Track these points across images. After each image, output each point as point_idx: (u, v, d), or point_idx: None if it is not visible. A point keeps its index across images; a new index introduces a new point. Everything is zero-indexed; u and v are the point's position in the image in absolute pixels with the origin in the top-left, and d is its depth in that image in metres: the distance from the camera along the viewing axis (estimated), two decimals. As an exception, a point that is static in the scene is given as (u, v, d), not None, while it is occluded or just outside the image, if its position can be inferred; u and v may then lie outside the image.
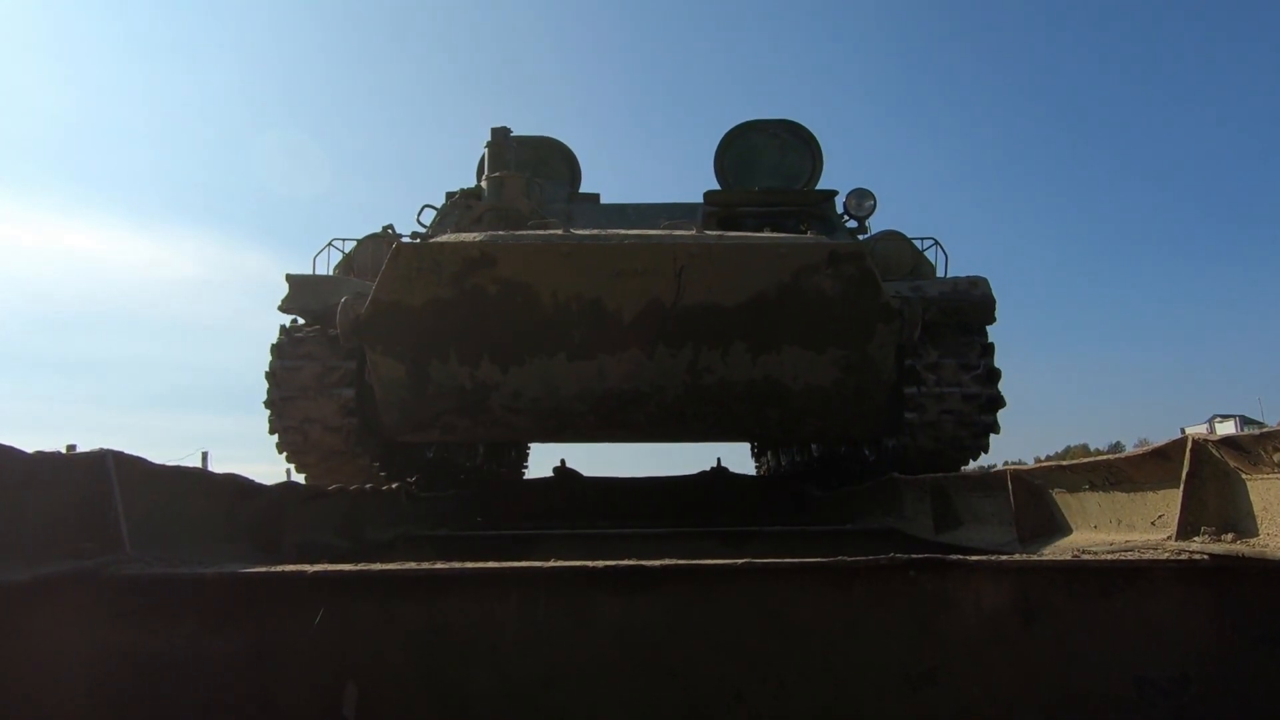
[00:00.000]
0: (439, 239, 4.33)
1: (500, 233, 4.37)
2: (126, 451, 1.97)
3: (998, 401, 4.78)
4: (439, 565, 1.86)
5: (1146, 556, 1.91)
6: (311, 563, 1.99)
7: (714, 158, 6.41)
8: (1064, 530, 2.74)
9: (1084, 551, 2.19)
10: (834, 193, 5.93)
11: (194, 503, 2.38)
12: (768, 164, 6.41)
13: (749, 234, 4.63)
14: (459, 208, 5.54)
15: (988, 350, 4.88)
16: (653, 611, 1.78)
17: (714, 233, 4.40)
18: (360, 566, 1.88)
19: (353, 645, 1.75)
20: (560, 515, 6.26)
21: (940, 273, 5.40)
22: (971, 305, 4.88)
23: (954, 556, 1.87)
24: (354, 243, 5.29)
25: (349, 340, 4.43)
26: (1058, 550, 2.54)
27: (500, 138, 5.30)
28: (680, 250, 4.05)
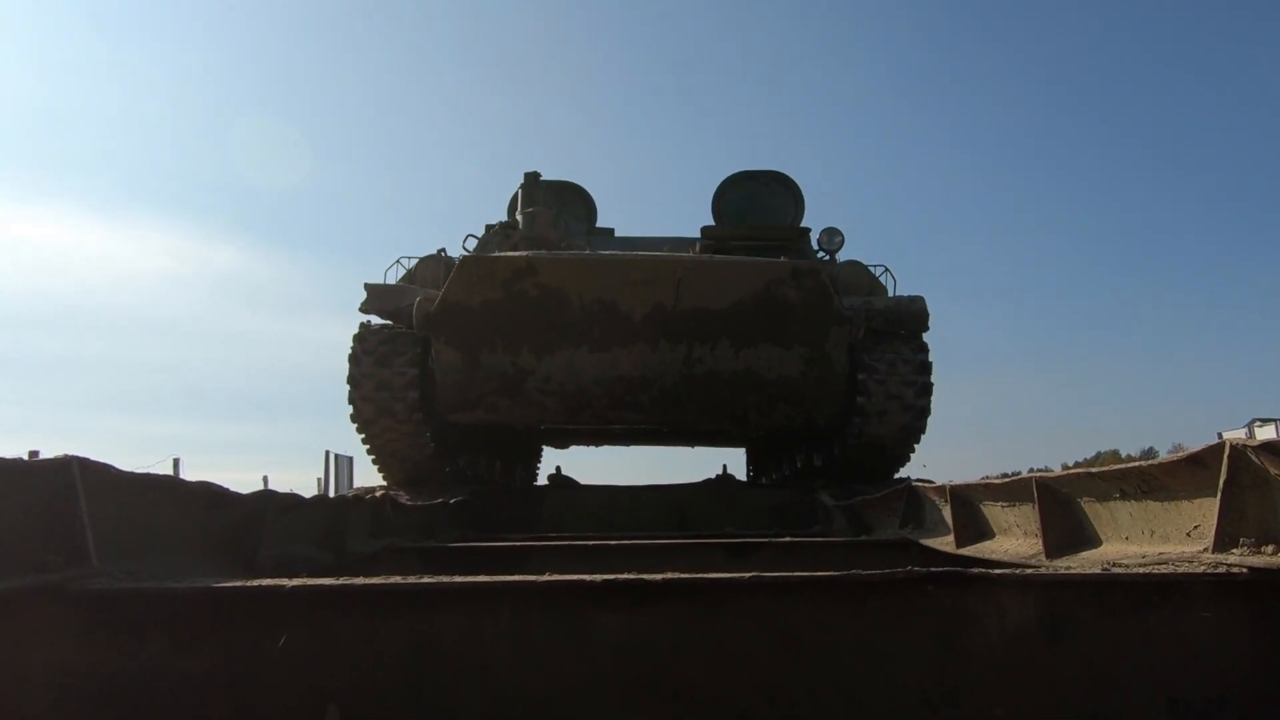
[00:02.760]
0: (494, 254, 6.06)
1: (541, 251, 5.98)
2: (92, 458, 1.97)
3: (929, 372, 6.44)
4: (426, 579, 1.86)
5: (1181, 570, 1.91)
6: (290, 576, 1.99)
7: (711, 201, 7.88)
8: (1093, 542, 2.74)
9: (1114, 564, 2.19)
10: (808, 230, 7.48)
11: (165, 513, 2.38)
12: (757, 208, 7.83)
13: (733, 256, 6.24)
14: (498, 236, 6.99)
15: (923, 348, 6.52)
16: (655, 628, 1.78)
17: (706, 254, 6.08)
18: (342, 581, 1.88)
19: (334, 665, 1.75)
20: (556, 525, 6.25)
21: (891, 292, 6.96)
22: (911, 316, 6.53)
23: (975, 570, 1.88)
24: (416, 260, 6.93)
25: (421, 330, 5.95)
26: (1086, 563, 2.54)
27: (531, 181, 6.83)
28: (679, 265, 5.64)
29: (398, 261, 6.92)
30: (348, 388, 6.27)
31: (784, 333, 5.86)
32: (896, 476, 6.72)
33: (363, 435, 6.46)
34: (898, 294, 6.81)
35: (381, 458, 6.63)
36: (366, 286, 6.46)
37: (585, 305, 5.69)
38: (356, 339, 6.36)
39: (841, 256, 7.29)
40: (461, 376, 6.02)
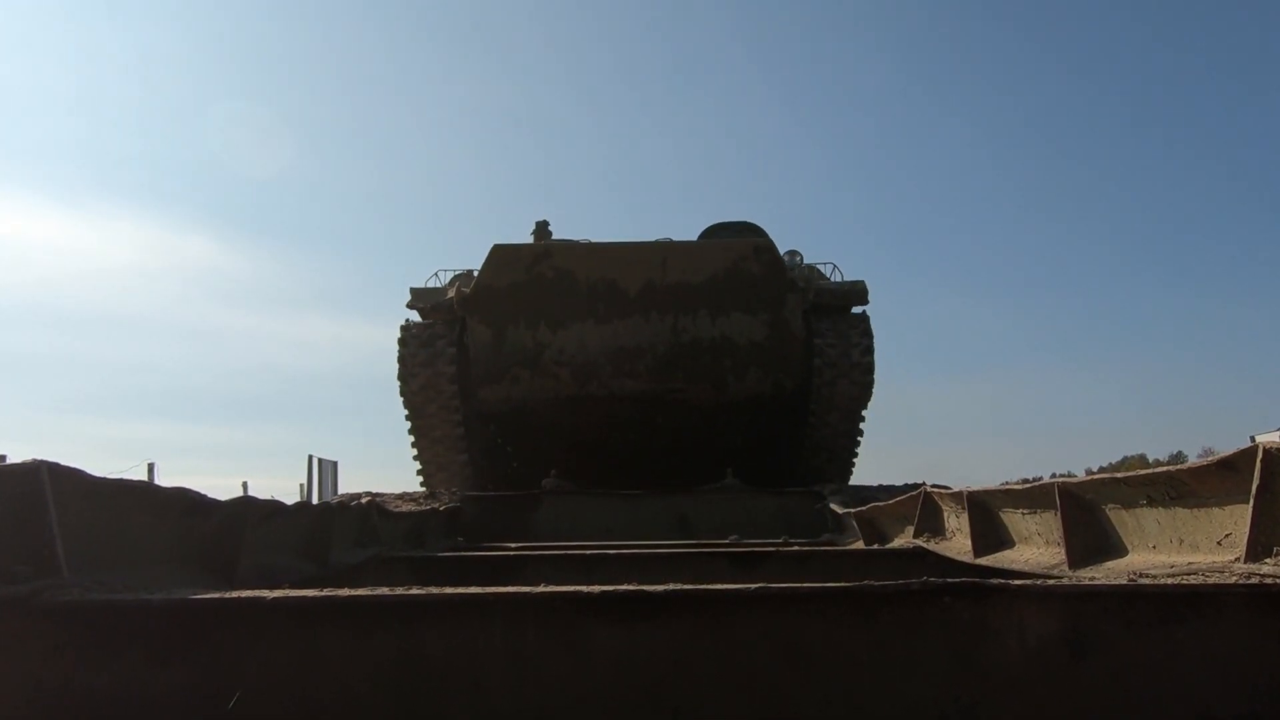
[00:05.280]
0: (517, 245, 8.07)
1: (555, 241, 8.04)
2: (62, 462, 1.97)
3: (870, 336, 8.39)
4: (414, 590, 1.86)
5: (1212, 580, 1.91)
6: (271, 588, 1.99)
7: None
8: (1119, 551, 2.74)
9: (1141, 575, 2.19)
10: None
11: (139, 520, 2.39)
12: None
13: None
14: None
15: (864, 318, 8.58)
16: (656, 642, 1.78)
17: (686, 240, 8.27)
18: (326, 592, 1.88)
19: (318, 681, 1.75)
20: (552, 533, 6.26)
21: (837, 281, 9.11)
22: (854, 293, 8.67)
23: (994, 581, 1.87)
24: (451, 274, 8.97)
25: (461, 310, 7.93)
26: (1112, 574, 2.54)
27: (541, 228, 9.02)
28: (664, 247, 7.83)
29: (435, 274, 9.07)
30: (397, 369, 8.15)
31: (750, 301, 7.71)
32: (907, 484, 6.78)
33: (407, 411, 8.37)
34: (841, 280, 8.97)
35: (421, 439, 8.49)
36: (412, 290, 8.62)
37: (591, 284, 7.53)
38: (403, 329, 8.37)
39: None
40: (491, 351, 7.87)
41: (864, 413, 8.64)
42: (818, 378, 8.13)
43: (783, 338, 7.87)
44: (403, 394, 8.27)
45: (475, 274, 8.31)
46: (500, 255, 7.55)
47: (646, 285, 7.49)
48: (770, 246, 7.77)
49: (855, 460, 9.05)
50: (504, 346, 7.78)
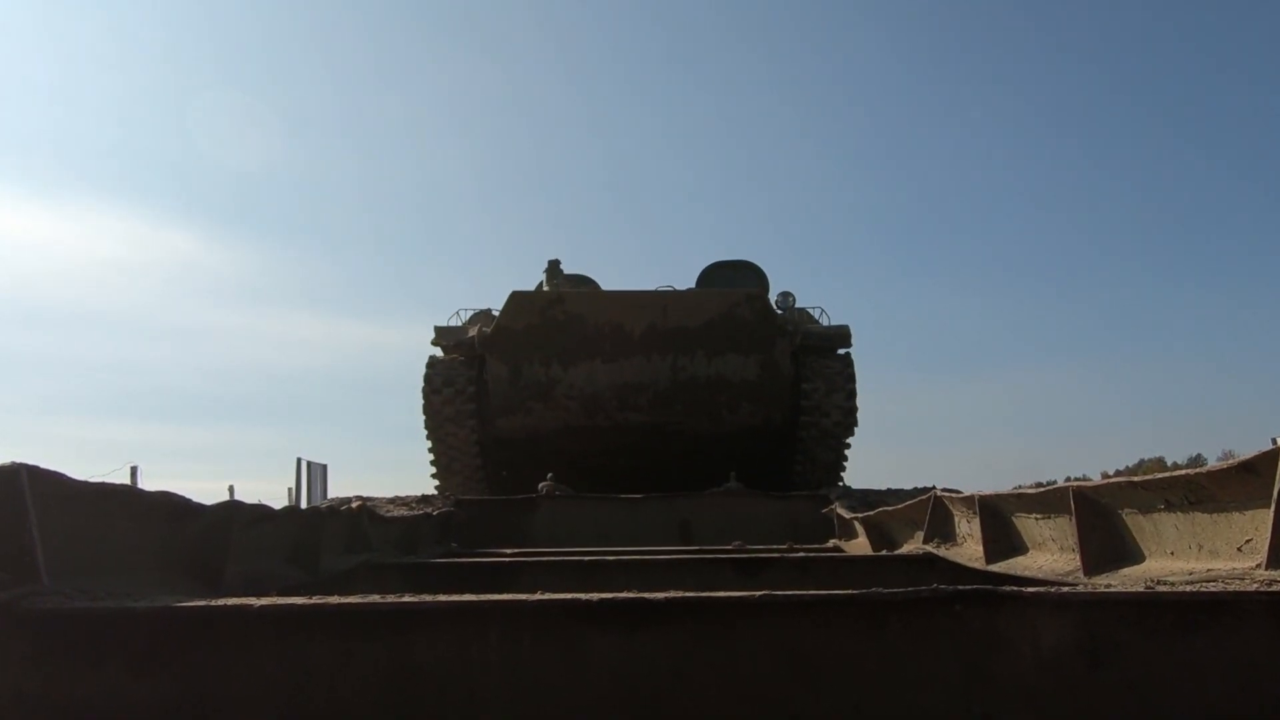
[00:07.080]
0: (533, 290, 9.28)
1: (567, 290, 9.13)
2: (42, 465, 1.96)
3: (853, 381, 9.48)
4: (407, 598, 1.86)
5: (1232, 587, 1.91)
6: (258, 595, 1.99)
7: (695, 282, 10.62)
8: (1135, 557, 2.74)
9: (1159, 582, 2.19)
10: (765, 291, 10.44)
11: (122, 525, 2.39)
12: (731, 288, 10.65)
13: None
14: None
15: (848, 358, 9.66)
16: (656, 652, 1.78)
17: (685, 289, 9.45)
18: (315, 600, 1.88)
19: (306, 691, 1.75)
20: (549, 538, 6.26)
21: (826, 324, 10.17)
22: (839, 336, 9.70)
23: (1007, 588, 1.87)
24: (471, 312, 9.98)
25: (481, 348, 8.93)
26: (1128, 580, 2.54)
27: (554, 266, 9.92)
28: (665, 296, 8.90)
29: (456, 313, 10.15)
30: (423, 400, 9.19)
31: (742, 344, 8.67)
32: (917, 487, 6.80)
33: (431, 440, 9.38)
34: (829, 324, 10.05)
35: (441, 460, 9.44)
36: (436, 329, 9.65)
37: (599, 326, 8.50)
38: (429, 365, 9.41)
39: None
40: (507, 386, 8.84)
41: (848, 441, 9.73)
42: (804, 414, 9.20)
43: (772, 377, 8.89)
44: (427, 425, 9.36)
45: (494, 313, 9.33)
46: (517, 301, 8.62)
47: (649, 329, 8.49)
48: (761, 295, 8.99)
49: (842, 477, 9.89)
50: (520, 381, 8.78)
